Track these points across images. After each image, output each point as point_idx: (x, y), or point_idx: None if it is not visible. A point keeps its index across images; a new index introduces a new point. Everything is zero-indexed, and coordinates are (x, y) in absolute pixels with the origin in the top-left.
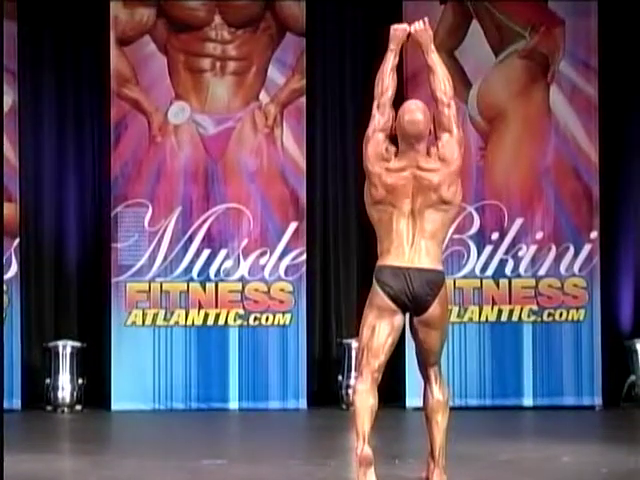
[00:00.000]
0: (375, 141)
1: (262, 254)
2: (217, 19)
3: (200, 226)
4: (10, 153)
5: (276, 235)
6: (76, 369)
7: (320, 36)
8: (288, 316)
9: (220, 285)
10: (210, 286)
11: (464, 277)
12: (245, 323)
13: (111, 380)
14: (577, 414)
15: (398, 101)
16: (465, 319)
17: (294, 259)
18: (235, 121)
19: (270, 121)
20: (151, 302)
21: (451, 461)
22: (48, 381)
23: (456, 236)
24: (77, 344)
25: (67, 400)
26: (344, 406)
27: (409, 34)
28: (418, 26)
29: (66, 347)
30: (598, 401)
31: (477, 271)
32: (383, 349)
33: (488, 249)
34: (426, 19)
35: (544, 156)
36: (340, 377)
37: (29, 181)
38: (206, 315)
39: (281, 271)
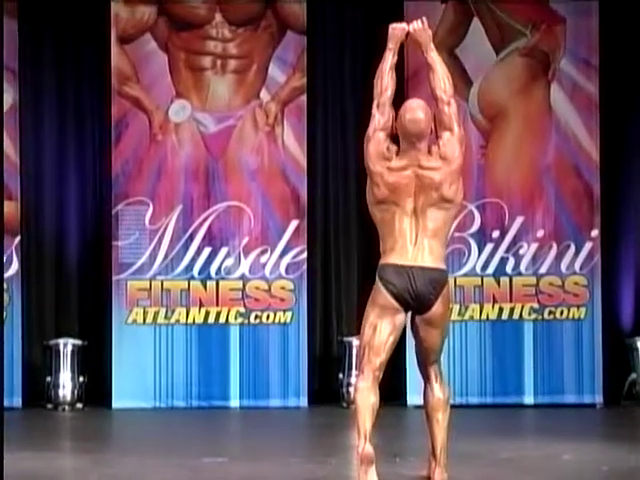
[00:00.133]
0: (376, 140)
1: (263, 252)
2: (218, 17)
3: (201, 224)
4: (11, 151)
5: (277, 233)
6: (77, 367)
7: (321, 34)
8: (289, 314)
9: (221, 283)
10: (211, 284)
11: (465, 275)
12: (246, 321)
13: (112, 378)
14: (578, 412)
15: (399, 100)
16: (466, 317)
17: (295, 257)
18: (236, 119)
19: (271, 119)
20: (152, 300)
21: (452, 459)
22: (49, 379)
23: (457, 234)
24: (78, 342)
25: (68, 398)
26: (345, 404)
27: (408, 33)
28: (417, 25)
29: (67, 345)
30: (599, 399)
31: (478, 269)
32: (385, 347)
33: (489, 247)
34: (424, 18)
35: (545, 154)
36: (341, 375)
37: (30, 179)
38: (207, 313)
39: (282, 269)
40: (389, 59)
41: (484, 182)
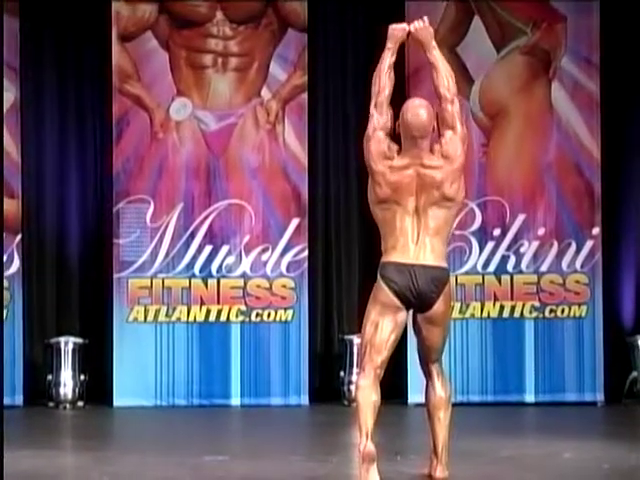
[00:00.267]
0: (377, 140)
1: (264, 250)
2: (219, 15)
3: (202, 222)
4: (12, 149)
5: (278, 231)
6: (78, 365)
7: (322, 32)
8: (290, 312)
9: (222, 281)
10: (212, 282)
11: (466, 273)
12: (247, 319)
13: (113, 376)
14: (579, 410)
15: (400, 99)
16: (467, 315)
17: (296, 255)
18: (237, 117)
19: (272, 117)
20: (153, 298)
21: (453, 457)
22: (50, 377)
23: (458, 232)
24: (79, 340)
25: (69, 396)
26: (346, 402)
27: (409, 33)
28: (418, 24)
29: (68, 343)
30: (600, 397)
31: (479, 267)
32: (386, 345)
33: (490, 245)
34: (425, 18)
35: (546, 152)
36: (342, 373)
37: (31, 177)
38: (208, 311)
39: (283, 267)
40: (387, 59)
41: (485, 180)
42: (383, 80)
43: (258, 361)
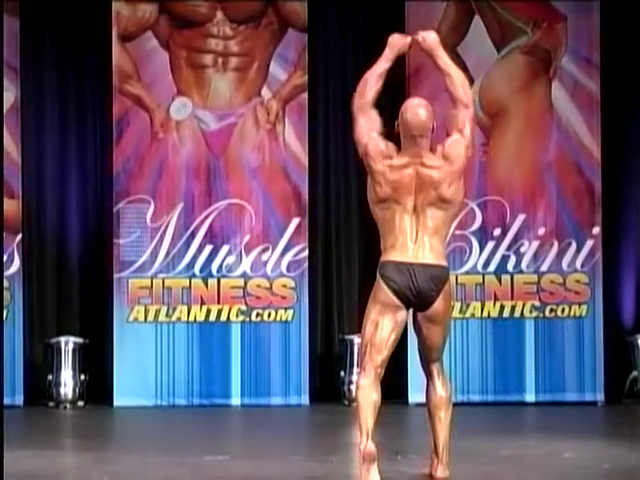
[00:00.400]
0: (372, 140)
1: (264, 250)
2: (219, 15)
3: (202, 222)
4: (12, 149)
5: (278, 231)
6: (78, 365)
7: (322, 32)
8: (290, 312)
9: (222, 281)
10: (212, 282)
11: (466, 273)
12: (247, 319)
13: (113, 376)
14: (579, 410)
15: (400, 99)
16: (467, 315)
17: (296, 255)
18: (237, 117)
19: (272, 117)
20: (153, 298)
21: (454, 457)
22: (50, 377)
23: (458, 232)
24: (79, 340)
25: (69, 396)
26: (346, 402)
27: (410, 45)
28: (424, 34)
29: (68, 343)
30: (600, 397)
31: (479, 267)
32: (386, 344)
33: (490, 245)
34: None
35: (546, 152)
36: (342, 373)
37: (31, 177)
38: (208, 311)
39: (283, 267)
40: (382, 65)
41: (485, 180)
42: (370, 83)
43: (258, 361)
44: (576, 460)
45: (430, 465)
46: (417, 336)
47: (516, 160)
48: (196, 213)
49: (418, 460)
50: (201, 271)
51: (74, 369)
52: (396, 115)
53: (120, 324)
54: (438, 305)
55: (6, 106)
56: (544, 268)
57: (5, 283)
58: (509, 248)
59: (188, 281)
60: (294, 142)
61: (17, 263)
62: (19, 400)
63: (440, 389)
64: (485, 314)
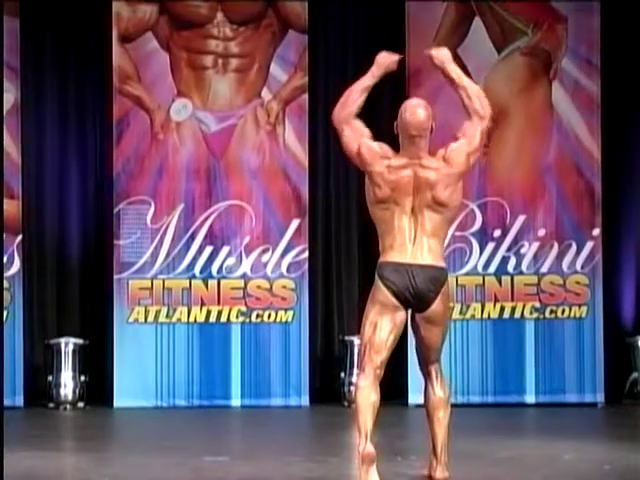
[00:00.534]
0: (365, 146)
1: (264, 251)
2: (219, 16)
3: (202, 223)
4: (12, 150)
5: (278, 232)
6: (78, 366)
7: (322, 33)
8: (290, 313)
9: (222, 282)
10: (212, 283)
11: (466, 274)
12: (247, 320)
13: (113, 377)
14: (579, 411)
15: (399, 99)
16: (467, 316)
17: (296, 256)
18: (237, 118)
19: (272, 118)
20: (153, 299)
21: (453, 458)
22: (50, 378)
23: (458, 233)
24: (79, 341)
25: (69, 397)
26: (346, 403)
27: (397, 63)
28: (436, 49)
29: (68, 344)
30: (600, 398)
31: (479, 268)
32: (385, 345)
33: (490, 246)
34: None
35: (546, 153)
36: (342, 374)
37: (31, 178)
38: (208, 312)
39: (283, 268)
40: (365, 80)
41: (485, 181)
42: (353, 97)
43: (258, 362)
44: (576, 461)
45: (429, 466)
46: (415, 337)
47: (516, 161)
48: (196, 214)
49: (418, 461)
50: (201, 272)
51: (74, 370)
52: (396, 116)
53: (120, 325)
54: (436, 306)
55: (6, 107)
56: (544, 269)
57: (5, 284)
58: (509, 249)
59: (188, 282)
60: (294, 143)
61: (17, 264)
62: (19, 401)
63: (438, 390)
64: (485, 315)
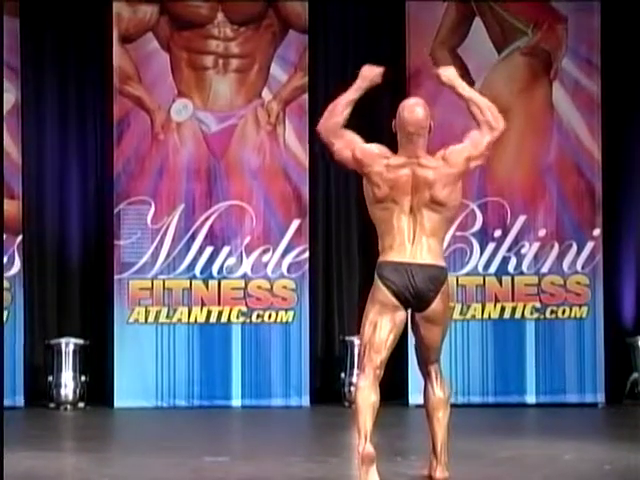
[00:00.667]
0: (358, 147)
1: (265, 251)
2: (220, 16)
3: (203, 223)
4: (13, 150)
5: (279, 232)
6: (79, 366)
7: (322, 33)
8: (291, 313)
9: (223, 282)
10: (213, 283)
11: (467, 274)
12: (248, 320)
13: (114, 377)
14: (580, 411)
15: (400, 100)
16: (468, 316)
17: (297, 256)
18: (237, 118)
19: (272, 118)
20: (154, 299)
21: (453, 458)
22: (51, 378)
23: (459, 233)
24: (80, 341)
25: (70, 397)
26: (346, 403)
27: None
28: (442, 69)
29: (69, 344)
30: (601, 398)
31: (480, 268)
32: (385, 345)
33: (491, 246)
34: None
35: (547, 153)
36: (342, 374)
37: (32, 178)
38: (209, 312)
39: (284, 268)
40: (350, 93)
41: (486, 181)
42: (338, 109)
43: (259, 362)
44: (576, 461)
45: (429, 466)
46: (415, 337)
47: (517, 161)
48: (197, 214)
49: (418, 461)
50: (202, 272)
51: (74, 370)
52: (394, 116)
53: (121, 325)
54: (436, 305)
55: (6, 107)
56: (545, 269)
57: (6, 284)
58: (510, 249)
59: (189, 282)
60: (294, 143)
61: (18, 264)
62: (19, 401)
63: (438, 390)
64: (486, 315)
